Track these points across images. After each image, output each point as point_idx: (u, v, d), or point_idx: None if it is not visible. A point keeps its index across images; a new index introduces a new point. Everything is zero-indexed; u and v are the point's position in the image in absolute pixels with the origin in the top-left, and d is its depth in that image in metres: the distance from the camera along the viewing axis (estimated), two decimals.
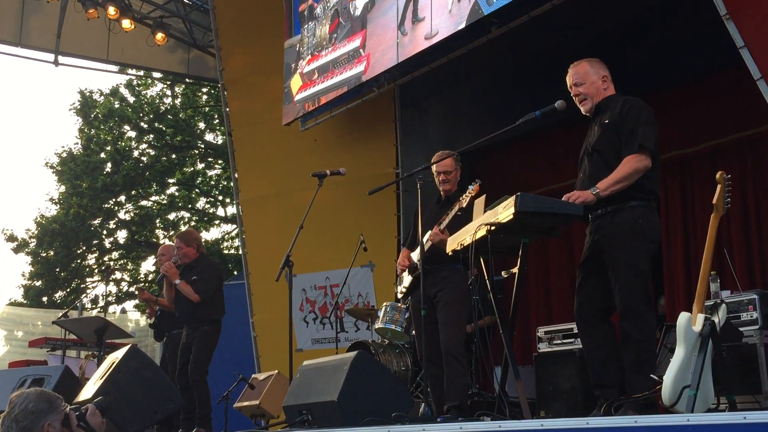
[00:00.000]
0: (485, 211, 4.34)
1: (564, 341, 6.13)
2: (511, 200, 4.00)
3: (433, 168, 5.77)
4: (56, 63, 12.53)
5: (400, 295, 6.06)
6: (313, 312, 10.11)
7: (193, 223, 23.97)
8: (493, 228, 4.14)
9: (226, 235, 24.40)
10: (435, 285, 5.61)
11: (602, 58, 4.67)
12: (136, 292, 8.77)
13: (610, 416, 3.82)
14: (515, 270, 4.36)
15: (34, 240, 22.77)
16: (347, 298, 9.63)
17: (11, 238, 22.76)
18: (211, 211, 24.65)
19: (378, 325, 7.20)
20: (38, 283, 22.71)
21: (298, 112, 9.53)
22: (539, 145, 8.99)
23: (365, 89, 8.97)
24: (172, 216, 24.23)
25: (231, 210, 23.70)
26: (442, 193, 5.87)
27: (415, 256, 5.71)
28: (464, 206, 5.38)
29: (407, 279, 5.91)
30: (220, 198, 24.26)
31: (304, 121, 9.78)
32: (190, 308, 7.21)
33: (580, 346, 5.62)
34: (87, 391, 5.34)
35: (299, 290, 9.98)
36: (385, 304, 7.29)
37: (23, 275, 22.97)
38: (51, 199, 23.20)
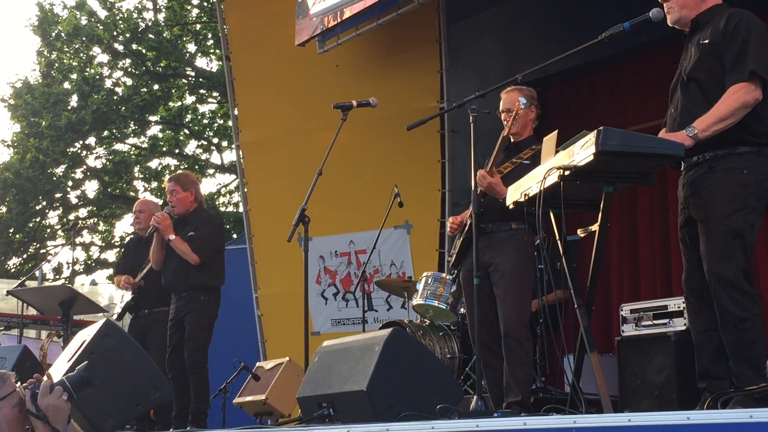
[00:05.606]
0: (557, 152, 4.32)
1: (655, 322, 6.11)
2: (592, 137, 3.96)
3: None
4: None
5: (451, 264, 6.07)
6: (334, 285, 10.18)
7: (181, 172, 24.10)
8: (567, 173, 4.11)
9: (223, 188, 24.59)
10: (490, 249, 5.60)
11: None
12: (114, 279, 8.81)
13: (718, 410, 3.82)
14: (595, 228, 4.34)
15: None
16: (377, 267, 9.68)
17: None
18: (203, 157, 24.81)
19: (416, 301, 7.25)
20: None
21: (315, 28, 9.49)
22: (623, 71, 8.93)
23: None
24: (154, 163, 24.43)
25: (229, 156, 23.82)
26: (512, 138, 5.88)
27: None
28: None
29: (458, 242, 5.91)
30: (215, 141, 24.38)
31: (322, 40, 9.76)
32: (182, 273, 7.30)
33: (676, 329, 5.68)
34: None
35: (316, 258, 10.04)
36: (425, 274, 7.32)
37: None
38: (2, 141, 23.42)
